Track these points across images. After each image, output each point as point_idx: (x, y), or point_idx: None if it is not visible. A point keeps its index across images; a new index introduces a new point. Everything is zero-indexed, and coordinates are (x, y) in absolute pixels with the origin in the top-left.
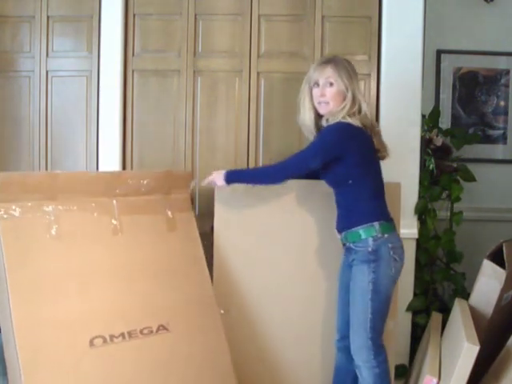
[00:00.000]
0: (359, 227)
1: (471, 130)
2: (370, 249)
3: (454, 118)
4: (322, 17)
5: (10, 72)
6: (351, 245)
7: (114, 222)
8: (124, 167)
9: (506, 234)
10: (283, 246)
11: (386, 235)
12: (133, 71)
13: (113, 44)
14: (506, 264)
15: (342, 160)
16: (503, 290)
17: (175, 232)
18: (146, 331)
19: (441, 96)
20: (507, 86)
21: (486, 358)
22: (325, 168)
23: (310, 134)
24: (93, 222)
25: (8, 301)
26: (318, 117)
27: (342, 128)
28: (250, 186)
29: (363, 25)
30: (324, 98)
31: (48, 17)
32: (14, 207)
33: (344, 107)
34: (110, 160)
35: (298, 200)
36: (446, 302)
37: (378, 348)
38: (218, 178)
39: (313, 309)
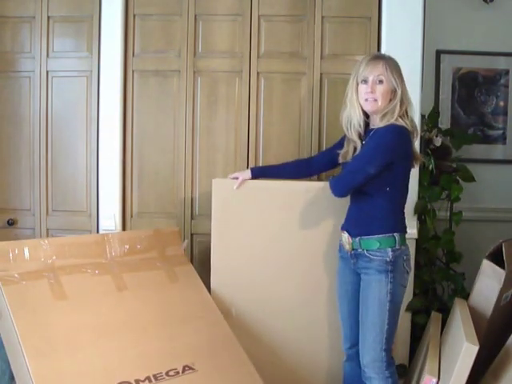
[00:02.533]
0: (380, 236)
1: (471, 131)
2: (388, 259)
3: (454, 118)
4: (322, 17)
5: (11, 72)
6: (365, 252)
7: (116, 280)
8: (124, 167)
9: (506, 234)
10: (282, 246)
11: (402, 247)
12: (133, 71)
13: (113, 44)
14: (506, 264)
15: (391, 166)
16: (503, 290)
17: (178, 283)
18: (172, 373)
19: (440, 96)
20: (507, 86)
21: (486, 358)
22: None
23: (354, 132)
24: (96, 282)
25: (24, 360)
26: (365, 115)
27: (399, 132)
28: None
29: (363, 25)
30: (373, 94)
31: (48, 17)
32: (15, 274)
33: (395, 107)
34: (110, 160)
35: (297, 200)
36: (446, 301)
37: (390, 359)
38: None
39: (314, 308)
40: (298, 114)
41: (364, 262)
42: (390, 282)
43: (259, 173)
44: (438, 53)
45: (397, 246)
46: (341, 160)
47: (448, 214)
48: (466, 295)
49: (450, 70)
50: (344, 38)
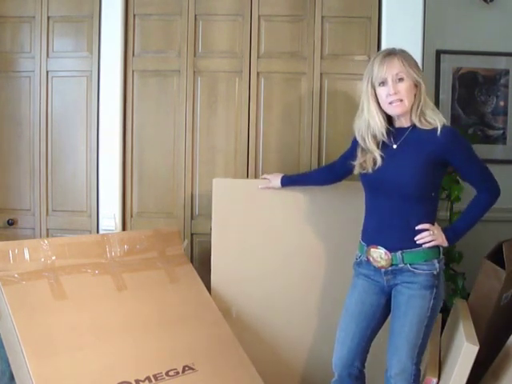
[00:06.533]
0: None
1: (471, 131)
2: (435, 272)
3: (454, 118)
4: (322, 17)
5: (11, 72)
6: (408, 266)
7: (116, 280)
8: (124, 167)
9: (506, 234)
10: (282, 246)
11: (443, 256)
12: (133, 71)
13: (113, 44)
14: (506, 264)
15: (444, 169)
16: (503, 290)
17: (178, 283)
18: (172, 373)
19: (440, 96)
20: (507, 86)
21: (486, 358)
22: (421, 172)
23: (373, 142)
24: (95, 282)
25: (24, 360)
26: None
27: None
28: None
29: (363, 25)
30: (397, 95)
31: (48, 17)
32: (15, 274)
33: (425, 100)
34: (110, 160)
35: (297, 200)
36: (446, 301)
37: (418, 371)
38: (438, 236)
39: (316, 308)
40: (298, 114)
41: (406, 277)
42: (434, 298)
43: (288, 182)
44: (438, 53)
45: (441, 256)
46: (358, 170)
47: (448, 213)
48: (466, 295)
49: (450, 70)
50: (344, 37)
